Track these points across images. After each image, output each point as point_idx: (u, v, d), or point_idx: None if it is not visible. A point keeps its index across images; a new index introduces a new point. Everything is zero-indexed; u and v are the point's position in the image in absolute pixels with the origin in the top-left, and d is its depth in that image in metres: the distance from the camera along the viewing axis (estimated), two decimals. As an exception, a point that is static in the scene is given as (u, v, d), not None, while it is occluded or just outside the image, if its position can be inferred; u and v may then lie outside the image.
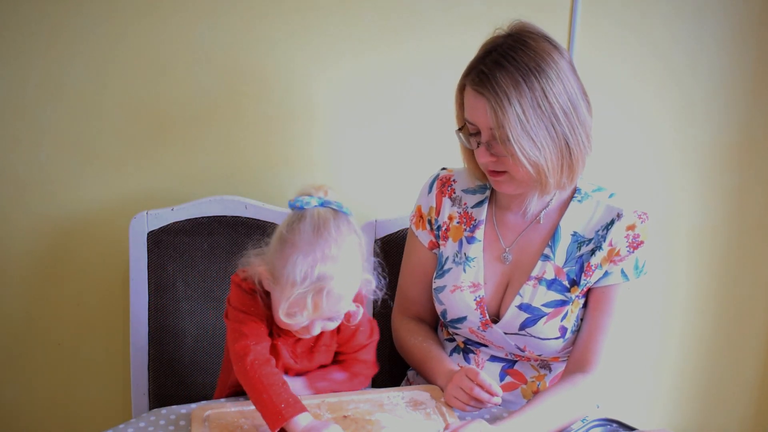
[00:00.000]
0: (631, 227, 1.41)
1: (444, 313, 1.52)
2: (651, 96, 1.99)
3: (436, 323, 1.63)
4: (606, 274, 1.42)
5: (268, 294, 1.30)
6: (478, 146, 1.37)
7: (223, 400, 1.37)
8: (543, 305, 1.42)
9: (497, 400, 1.32)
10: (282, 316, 1.25)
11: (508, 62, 1.31)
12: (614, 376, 1.42)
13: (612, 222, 1.41)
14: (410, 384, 1.63)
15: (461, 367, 1.39)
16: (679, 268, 2.15)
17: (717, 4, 1.94)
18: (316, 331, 1.30)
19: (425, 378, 1.50)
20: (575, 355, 1.44)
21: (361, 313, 1.34)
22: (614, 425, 1.32)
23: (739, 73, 1.99)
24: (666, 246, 2.09)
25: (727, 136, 2.04)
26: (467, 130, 1.40)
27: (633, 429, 1.31)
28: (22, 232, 1.88)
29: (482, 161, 1.38)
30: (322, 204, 1.27)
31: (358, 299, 1.33)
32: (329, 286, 1.22)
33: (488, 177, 1.42)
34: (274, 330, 1.34)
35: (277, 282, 1.25)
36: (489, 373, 1.49)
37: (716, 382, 2.26)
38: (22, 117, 1.81)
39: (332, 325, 1.31)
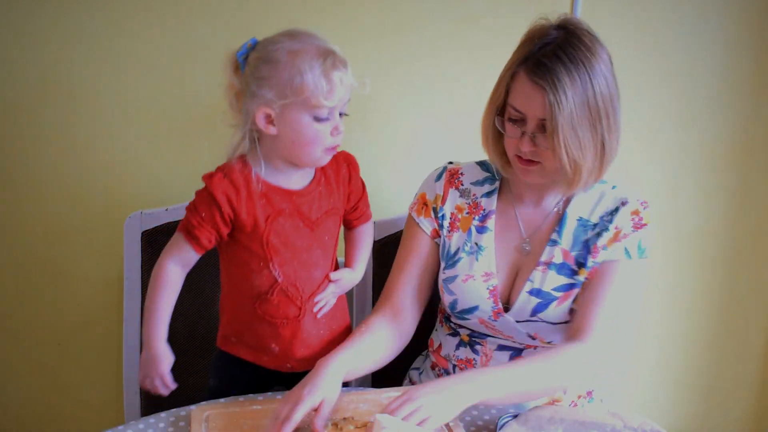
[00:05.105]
0: (636, 212, 1.44)
1: (454, 303, 1.51)
2: (651, 96, 1.99)
3: (414, 317, 1.53)
4: (610, 251, 1.44)
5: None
6: (521, 135, 1.37)
7: (222, 400, 1.37)
8: (553, 289, 1.44)
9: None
10: (318, 101, 1.30)
11: (567, 57, 1.31)
12: (613, 355, 1.40)
13: (617, 209, 1.45)
14: (412, 384, 1.63)
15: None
16: (679, 268, 2.15)
17: (717, 3, 1.95)
18: (342, 128, 1.38)
19: None
20: (572, 327, 1.43)
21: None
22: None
23: (739, 73, 2.00)
24: (666, 246, 2.10)
25: (727, 136, 2.05)
26: (507, 115, 1.39)
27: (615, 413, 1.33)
28: (18, 231, 1.88)
29: (524, 150, 1.36)
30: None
31: None
32: (336, 58, 1.31)
33: (515, 164, 1.41)
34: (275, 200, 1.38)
35: (293, 92, 1.28)
36: (497, 362, 1.50)
37: (716, 382, 2.27)
38: (18, 117, 1.81)
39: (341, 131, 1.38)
